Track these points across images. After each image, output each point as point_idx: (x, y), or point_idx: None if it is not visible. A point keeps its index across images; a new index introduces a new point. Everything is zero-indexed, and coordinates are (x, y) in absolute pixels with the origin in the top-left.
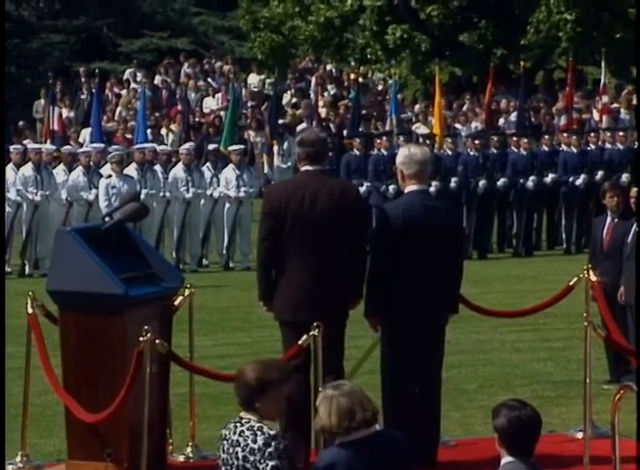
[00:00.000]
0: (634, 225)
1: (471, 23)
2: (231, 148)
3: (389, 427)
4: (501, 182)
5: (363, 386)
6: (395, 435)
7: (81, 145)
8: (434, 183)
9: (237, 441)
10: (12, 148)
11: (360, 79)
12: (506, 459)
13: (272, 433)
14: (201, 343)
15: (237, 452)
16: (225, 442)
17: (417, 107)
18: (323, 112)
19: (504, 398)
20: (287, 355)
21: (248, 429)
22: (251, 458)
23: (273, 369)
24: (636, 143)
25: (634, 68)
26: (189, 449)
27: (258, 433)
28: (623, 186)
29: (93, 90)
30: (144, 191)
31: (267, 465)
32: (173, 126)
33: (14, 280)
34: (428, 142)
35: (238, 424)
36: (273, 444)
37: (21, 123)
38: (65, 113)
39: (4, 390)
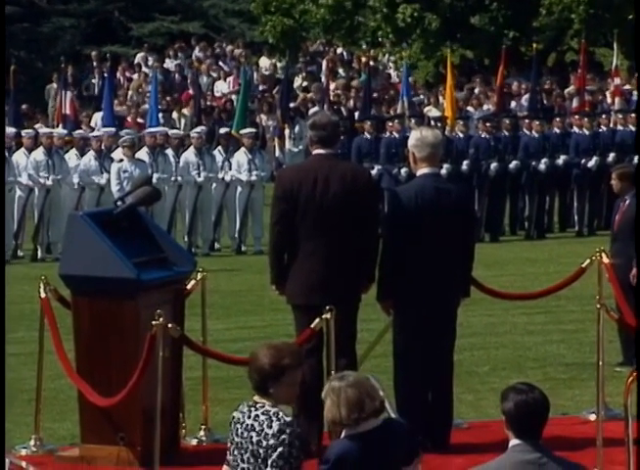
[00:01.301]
0: None
1: (482, 5)
2: (242, 131)
3: (402, 409)
4: (513, 165)
5: (375, 369)
6: (402, 424)
7: (93, 129)
8: (445, 166)
9: (251, 425)
10: (23, 132)
11: (371, 62)
12: (514, 442)
13: (288, 419)
14: (213, 326)
15: (251, 437)
16: (239, 425)
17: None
18: (335, 95)
19: (516, 380)
20: (299, 339)
21: (263, 413)
22: (265, 443)
23: (286, 354)
24: None
25: None
26: (202, 433)
27: (274, 418)
28: (625, 171)
29: (105, 74)
30: (156, 175)
31: (276, 451)
32: (185, 110)
33: (26, 264)
34: (439, 125)
35: (252, 408)
36: (288, 430)
37: (24, 107)
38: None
39: (4, 375)
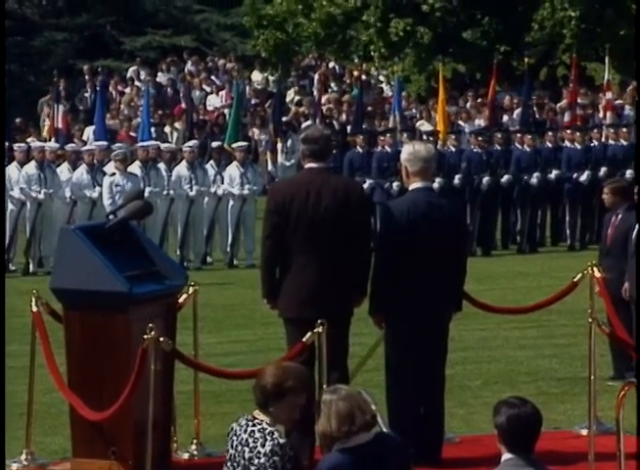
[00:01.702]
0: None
1: (474, 19)
2: (235, 145)
3: (394, 423)
4: (505, 179)
5: (367, 383)
6: (394, 438)
7: (85, 143)
8: (437, 180)
9: (246, 440)
10: (15, 146)
11: (363, 77)
12: (506, 456)
13: (281, 441)
14: (205, 340)
15: (244, 452)
16: (235, 437)
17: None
18: (327, 109)
19: (508, 394)
20: (291, 353)
21: (258, 431)
22: (256, 461)
23: (291, 377)
24: None
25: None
26: (193, 447)
27: (268, 438)
28: (624, 184)
29: (97, 88)
30: (148, 189)
31: None
32: (177, 124)
33: (18, 278)
34: (431, 139)
35: (250, 423)
36: (280, 453)
37: (17, 121)
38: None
39: (4, 389)
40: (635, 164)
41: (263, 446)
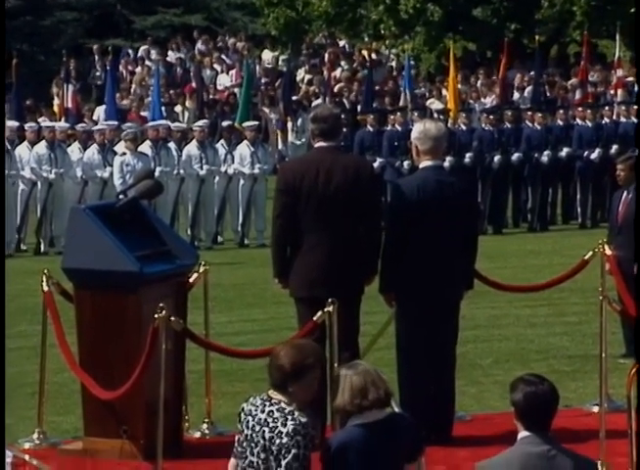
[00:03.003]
0: None
1: None
2: (245, 124)
3: (405, 402)
4: (516, 157)
5: (378, 362)
6: (406, 418)
7: (96, 123)
8: (448, 158)
9: (265, 420)
10: (26, 126)
11: (373, 55)
12: (522, 434)
13: (303, 420)
14: (216, 320)
15: (264, 431)
16: (250, 418)
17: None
18: (338, 87)
19: (519, 373)
20: (302, 332)
21: (278, 411)
22: (278, 441)
23: (308, 354)
24: None
25: None
26: (205, 426)
27: (289, 417)
28: (636, 160)
29: (107, 67)
30: (158, 168)
31: (290, 452)
32: (187, 103)
33: (29, 258)
34: (442, 117)
35: (267, 403)
36: (302, 432)
37: (28, 102)
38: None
39: (4, 369)
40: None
41: (285, 425)
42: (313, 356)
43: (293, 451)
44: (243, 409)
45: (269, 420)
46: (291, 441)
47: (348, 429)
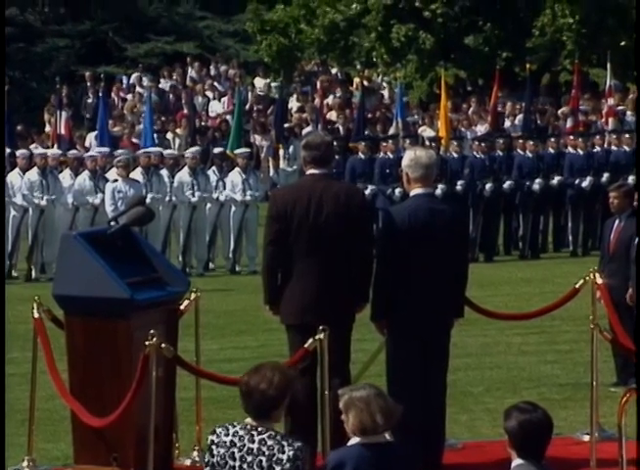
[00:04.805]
0: None
1: (476, 25)
2: (237, 151)
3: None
4: (507, 185)
5: None
6: (402, 447)
7: (87, 149)
8: (440, 186)
9: (258, 449)
10: (18, 153)
11: (365, 83)
12: (516, 462)
13: (299, 444)
14: (207, 347)
15: (261, 461)
16: (236, 449)
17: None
18: (332, 115)
19: (511, 400)
20: (293, 359)
21: (269, 438)
22: (279, 468)
23: (282, 374)
24: None
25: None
26: (195, 454)
27: (285, 443)
28: (629, 188)
29: (99, 94)
30: (150, 195)
31: None
32: (179, 130)
33: (20, 285)
34: (434, 145)
35: (254, 432)
36: (301, 456)
37: (19, 128)
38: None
39: (4, 395)
40: (637, 171)
41: (283, 452)
42: (289, 376)
43: None
44: (213, 442)
45: (264, 449)
46: (292, 465)
47: (346, 448)
